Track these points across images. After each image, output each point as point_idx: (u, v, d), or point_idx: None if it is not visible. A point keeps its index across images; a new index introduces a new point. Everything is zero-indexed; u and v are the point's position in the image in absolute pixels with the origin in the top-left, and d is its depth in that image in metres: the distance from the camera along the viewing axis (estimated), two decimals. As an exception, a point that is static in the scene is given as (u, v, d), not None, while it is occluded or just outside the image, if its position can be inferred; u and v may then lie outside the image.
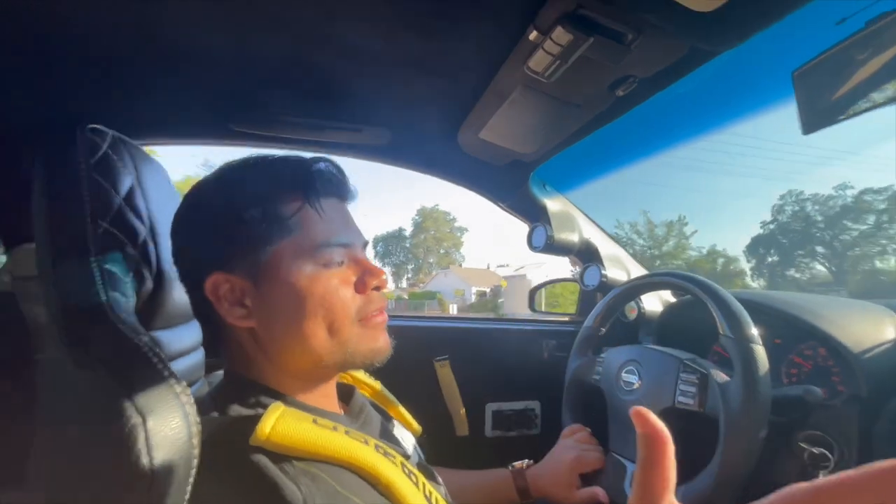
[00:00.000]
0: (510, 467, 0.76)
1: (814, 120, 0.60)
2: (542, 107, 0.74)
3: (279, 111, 0.85)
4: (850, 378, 0.67)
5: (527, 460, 0.77)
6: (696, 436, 0.64)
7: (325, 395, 0.52)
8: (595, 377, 0.82)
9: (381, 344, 0.51)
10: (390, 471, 0.42)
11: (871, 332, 0.70)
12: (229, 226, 0.46)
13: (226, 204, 0.47)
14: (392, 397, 0.69)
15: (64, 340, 0.37)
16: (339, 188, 0.51)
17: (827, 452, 0.62)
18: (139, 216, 0.51)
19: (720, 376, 0.63)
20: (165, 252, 0.54)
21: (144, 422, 0.31)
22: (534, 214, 1.08)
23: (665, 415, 0.67)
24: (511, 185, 1.06)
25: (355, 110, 0.87)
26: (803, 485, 0.24)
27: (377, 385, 0.69)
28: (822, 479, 0.23)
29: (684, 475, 0.62)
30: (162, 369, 0.35)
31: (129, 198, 0.51)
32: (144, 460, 0.30)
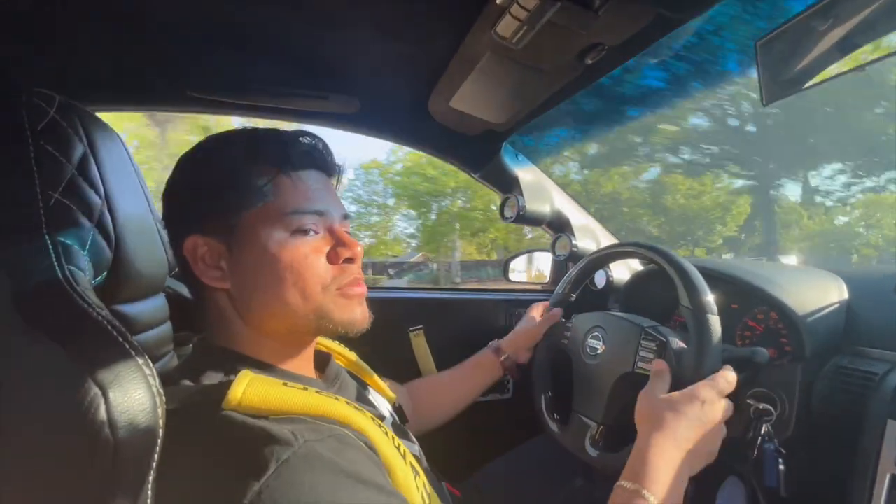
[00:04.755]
0: (488, 345, 0.91)
1: (775, 90, 0.62)
2: (512, 74, 0.73)
3: (239, 77, 0.82)
4: (797, 339, 0.72)
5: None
6: None
7: (301, 360, 0.54)
8: (563, 341, 0.85)
9: (358, 316, 0.52)
10: (361, 420, 0.44)
11: (816, 297, 0.74)
12: (206, 190, 0.49)
13: (204, 170, 0.50)
14: (366, 367, 0.71)
15: (18, 316, 0.36)
16: (319, 161, 0.52)
17: (770, 407, 0.67)
18: (94, 187, 0.49)
19: (677, 343, 0.66)
20: (126, 224, 0.52)
21: (104, 394, 0.30)
22: (506, 185, 1.09)
23: (625, 378, 0.71)
24: (483, 156, 1.05)
25: (321, 77, 0.83)
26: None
27: (353, 356, 0.70)
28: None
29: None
30: (122, 342, 0.34)
31: (82, 167, 0.48)
32: (106, 432, 0.30)
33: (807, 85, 0.59)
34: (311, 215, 0.49)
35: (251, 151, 0.49)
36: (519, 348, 0.89)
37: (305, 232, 0.49)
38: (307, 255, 0.49)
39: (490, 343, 0.91)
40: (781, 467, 0.63)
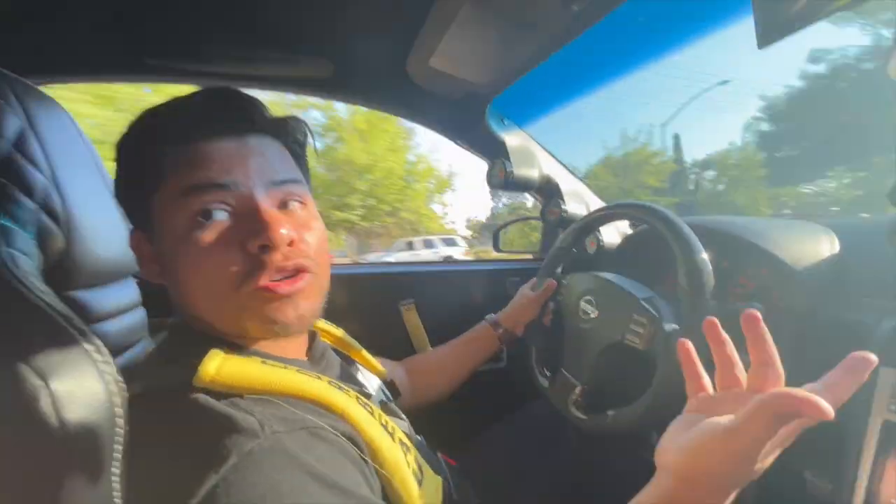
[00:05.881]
0: (485, 318, 0.89)
1: (771, 32, 0.58)
2: (494, 27, 0.68)
3: (202, 41, 0.75)
4: (788, 293, 0.71)
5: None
6: (635, 369, 0.67)
7: (283, 340, 0.47)
8: (558, 297, 0.85)
9: (287, 316, 0.41)
10: (344, 401, 0.42)
11: (808, 250, 0.73)
12: (120, 179, 0.44)
13: (119, 157, 0.44)
14: (355, 343, 0.68)
15: None
16: (234, 122, 0.43)
17: None
18: (35, 164, 0.45)
19: (669, 324, 0.65)
20: (77, 204, 0.48)
21: (47, 384, 0.28)
22: (492, 150, 1.05)
23: (612, 347, 0.70)
24: (468, 120, 1.01)
25: (290, 39, 0.77)
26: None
27: (339, 332, 0.67)
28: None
29: (618, 402, 0.66)
30: (68, 328, 0.31)
31: (21, 143, 0.44)
32: (53, 423, 0.28)
33: (801, 24, 0.55)
34: (211, 190, 0.39)
35: (147, 127, 0.44)
36: (516, 323, 0.88)
37: (208, 214, 0.39)
38: (210, 245, 0.39)
39: (487, 317, 0.90)
40: None
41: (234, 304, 0.40)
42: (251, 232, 0.39)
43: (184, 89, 0.47)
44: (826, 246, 0.74)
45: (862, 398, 0.59)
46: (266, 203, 0.41)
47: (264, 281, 0.40)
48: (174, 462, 0.33)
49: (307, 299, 0.43)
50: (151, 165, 0.41)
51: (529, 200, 1.20)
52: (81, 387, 0.29)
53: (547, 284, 0.86)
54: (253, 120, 0.44)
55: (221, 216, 0.40)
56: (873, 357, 0.33)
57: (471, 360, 0.87)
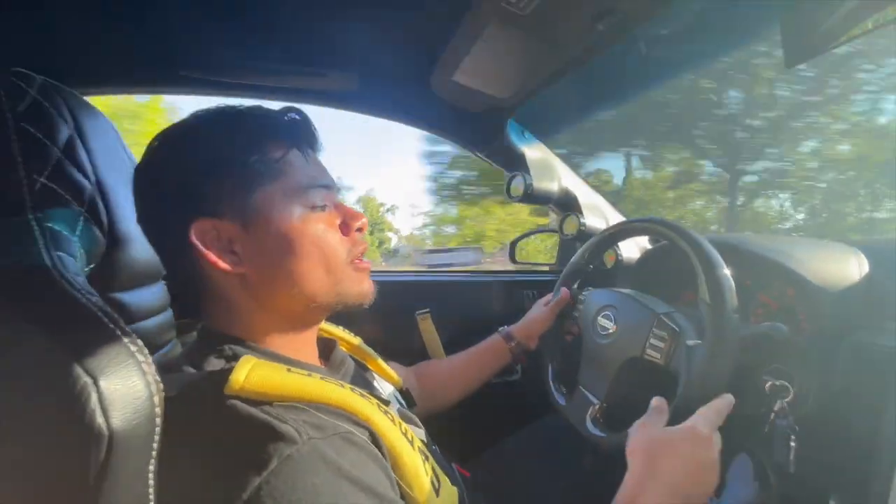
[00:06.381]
0: (498, 330, 0.89)
1: (799, 52, 0.58)
2: (519, 44, 0.69)
3: (233, 55, 0.78)
4: (815, 315, 0.69)
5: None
6: (656, 385, 0.66)
7: (306, 346, 0.53)
8: (575, 314, 0.84)
9: (367, 287, 0.53)
10: (367, 408, 0.43)
11: (836, 270, 0.71)
12: (216, 170, 0.46)
13: (211, 148, 0.46)
14: (371, 351, 0.69)
15: (4, 305, 0.34)
16: (311, 138, 0.52)
17: (787, 384, 0.65)
18: (82, 171, 0.47)
19: (692, 339, 0.63)
20: (119, 209, 0.50)
21: (96, 382, 0.29)
22: (512, 163, 1.05)
23: (631, 363, 0.69)
24: (488, 133, 1.02)
25: (319, 53, 0.80)
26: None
27: (356, 340, 0.69)
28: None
29: (638, 419, 0.65)
30: (114, 329, 0.33)
31: (69, 150, 0.46)
32: (100, 421, 0.29)
33: (832, 45, 0.55)
34: (321, 189, 0.50)
35: (263, 126, 0.48)
36: (529, 336, 0.87)
37: (318, 207, 0.49)
38: (326, 229, 0.49)
39: (500, 329, 0.90)
40: (793, 444, 0.62)
41: (342, 276, 0.50)
42: (350, 219, 0.52)
43: (203, 101, 0.50)
44: (855, 267, 0.72)
45: (892, 427, 0.57)
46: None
47: (360, 254, 0.53)
48: (216, 464, 0.35)
49: (369, 278, 0.54)
50: (271, 161, 0.47)
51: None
52: (126, 386, 0.30)
53: (561, 295, 0.86)
54: (319, 140, 0.53)
55: (325, 209, 0.50)
56: None
57: (481, 371, 0.87)
